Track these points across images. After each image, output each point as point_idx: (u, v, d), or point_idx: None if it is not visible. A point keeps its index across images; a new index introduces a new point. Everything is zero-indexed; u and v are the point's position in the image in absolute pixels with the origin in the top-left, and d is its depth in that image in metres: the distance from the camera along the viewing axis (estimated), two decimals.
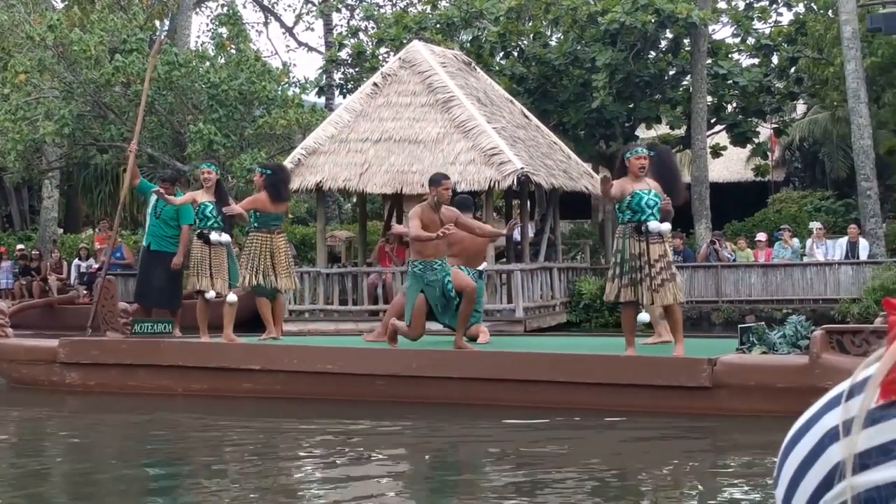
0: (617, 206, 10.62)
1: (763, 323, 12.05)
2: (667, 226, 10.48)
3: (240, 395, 11.62)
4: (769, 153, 30.66)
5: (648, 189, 10.45)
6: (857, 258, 21.10)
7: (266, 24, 46.96)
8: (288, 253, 12.98)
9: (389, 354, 11.53)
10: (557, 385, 10.49)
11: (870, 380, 0.87)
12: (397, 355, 11.45)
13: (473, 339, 12.06)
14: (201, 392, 11.83)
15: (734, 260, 21.92)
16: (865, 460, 0.85)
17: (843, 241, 21.71)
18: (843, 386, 0.90)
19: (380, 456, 9.20)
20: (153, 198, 14.13)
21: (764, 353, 10.46)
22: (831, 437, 0.88)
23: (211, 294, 12.50)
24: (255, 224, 12.53)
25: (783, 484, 0.93)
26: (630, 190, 10.45)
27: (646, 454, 9.02)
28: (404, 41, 24.86)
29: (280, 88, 25.28)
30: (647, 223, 10.36)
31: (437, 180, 11.38)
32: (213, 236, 12.48)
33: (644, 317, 10.85)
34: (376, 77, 20.89)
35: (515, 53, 27.43)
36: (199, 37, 45.26)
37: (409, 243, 12.03)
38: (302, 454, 9.38)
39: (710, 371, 9.94)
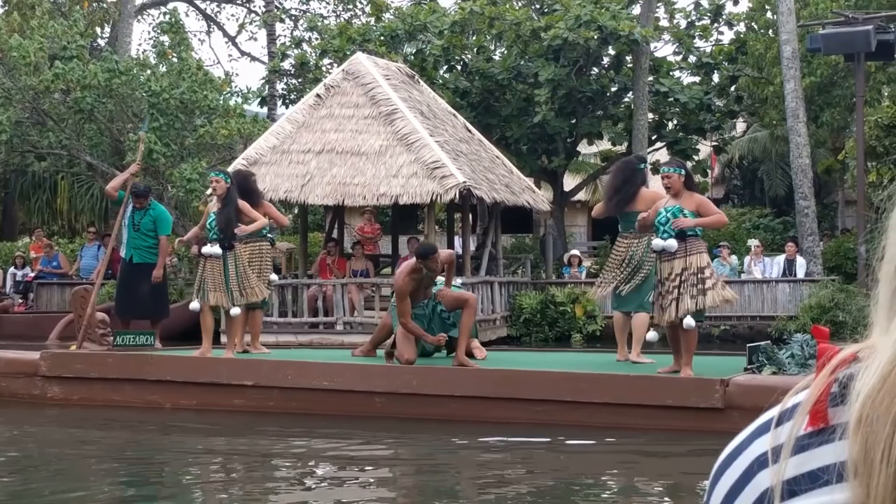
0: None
1: (769, 342, 11.89)
2: (670, 242, 10.28)
3: (231, 410, 11.31)
4: (709, 171, 30.94)
5: (672, 206, 10.41)
6: (795, 276, 21.34)
7: (209, 32, 46.72)
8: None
9: (389, 371, 11.33)
10: (565, 404, 10.29)
11: (798, 406, 0.88)
12: (397, 372, 11.24)
13: (468, 355, 11.88)
14: (190, 407, 11.53)
15: None
16: (794, 487, 0.86)
17: (781, 258, 21.95)
18: (773, 412, 0.91)
19: (374, 476, 9.03)
20: (129, 209, 13.97)
21: (774, 373, 10.31)
22: (760, 463, 0.89)
23: (194, 305, 12.25)
24: (264, 232, 12.53)
25: None
26: (659, 208, 10.55)
27: (658, 474, 8.98)
28: (348, 53, 24.81)
29: (222, 98, 25.10)
30: (652, 241, 10.48)
31: (425, 253, 11.35)
32: (205, 249, 12.25)
33: (652, 335, 10.82)
34: (319, 88, 20.82)
35: (459, 67, 27.48)
36: (140, 45, 44.87)
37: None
38: (292, 473, 9.16)
39: (723, 392, 9.78)
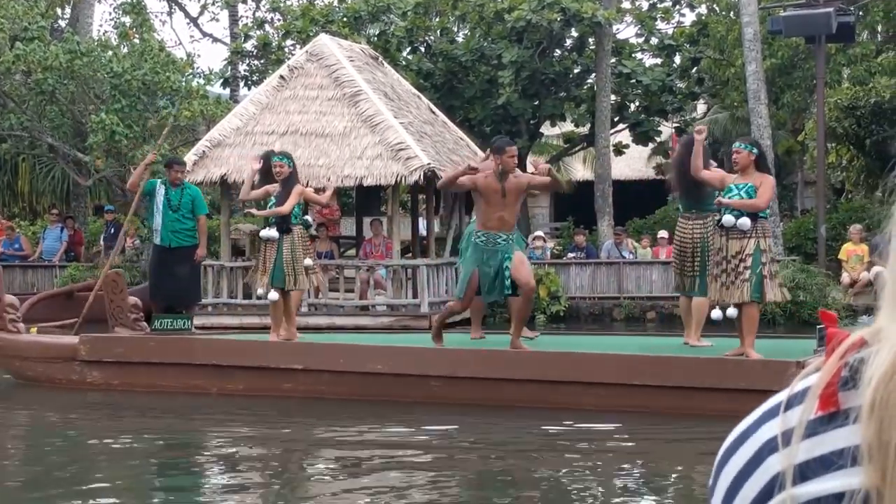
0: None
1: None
2: (744, 220, 10.01)
3: (280, 395, 10.97)
4: (670, 152, 31.05)
5: (744, 183, 10.15)
6: None
7: (170, 13, 46.44)
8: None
9: (445, 354, 10.87)
10: (629, 388, 9.90)
11: (809, 391, 0.88)
12: (454, 355, 10.81)
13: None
14: (237, 392, 11.17)
15: (634, 257, 22.22)
16: (805, 471, 0.86)
17: None
18: (781, 397, 0.91)
19: (430, 463, 8.63)
20: (161, 190, 13.72)
21: None
22: (770, 447, 0.89)
23: (261, 291, 12.02)
24: (297, 219, 12.14)
25: (719, 493, 0.93)
26: (727, 183, 10.27)
27: None
28: (311, 34, 24.76)
29: (184, 79, 24.98)
30: (722, 217, 10.15)
31: (500, 147, 10.54)
32: (263, 232, 12.09)
33: (717, 314, 10.45)
34: (283, 70, 20.77)
35: (423, 49, 27.47)
36: (101, 25, 44.56)
37: (474, 212, 11.19)
38: (342, 460, 8.84)
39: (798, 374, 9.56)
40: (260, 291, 12.17)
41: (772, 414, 0.92)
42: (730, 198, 10.12)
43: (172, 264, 13.66)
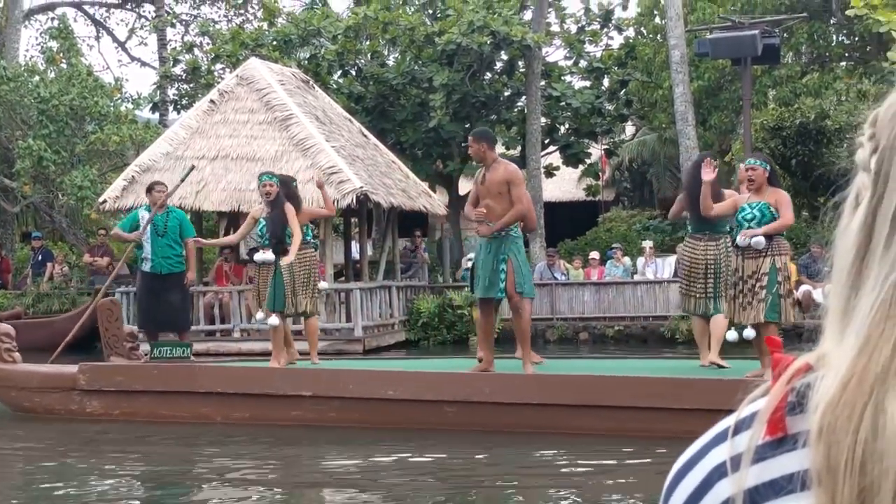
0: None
1: None
2: (758, 239, 9.78)
3: (287, 423, 10.57)
4: (600, 173, 31.37)
5: (756, 202, 9.91)
6: None
7: (98, 38, 45.96)
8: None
9: (458, 379, 10.49)
10: (654, 411, 9.52)
11: (756, 416, 0.88)
12: (467, 379, 10.41)
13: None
14: (243, 421, 10.81)
15: (566, 278, 22.35)
16: (755, 496, 0.86)
17: (672, 259, 22.34)
18: (728, 421, 0.91)
19: (449, 493, 8.23)
20: (146, 216, 13.31)
21: None
22: (720, 472, 0.89)
23: (260, 316, 11.73)
24: (306, 238, 11.80)
25: None
26: (740, 204, 10.06)
27: None
28: (241, 58, 24.67)
29: (113, 104, 24.77)
30: (737, 238, 9.97)
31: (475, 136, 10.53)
32: (258, 256, 11.78)
33: (732, 335, 10.28)
34: (213, 94, 20.68)
35: (353, 72, 27.49)
36: (28, 50, 44.03)
37: None
38: (357, 489, 8.51)
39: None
40: (259, 316, 11.87)
41: (720, 439, 0.92)
42: (743, 217, 9.98)
43: (163, 291, 13.24)
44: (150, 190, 13.79)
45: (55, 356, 12.84)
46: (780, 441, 0.87)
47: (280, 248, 11.56)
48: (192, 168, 13.94)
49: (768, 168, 10.02)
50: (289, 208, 11.61)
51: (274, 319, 11.57)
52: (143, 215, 13.54)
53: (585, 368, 11.28)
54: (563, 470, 9.02)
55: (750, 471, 0.86)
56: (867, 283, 0.86)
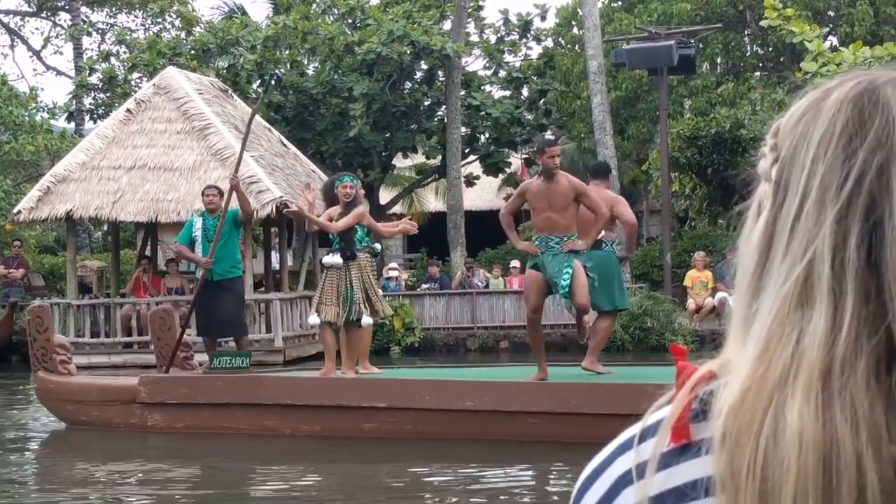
0: None
1: None
2: None
3: (360, 435, 10.14)
4: (520, 182, 31.52)
5: None
6: None
7: (12, 46, 45.13)
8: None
9: (542, 388, 10.01)
10: None
11: (661, 423, 0.89)
12: (551, 389, 9.91)
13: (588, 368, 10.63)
14: (314, 433, 10.35)
15: (486, 287, 22.43)
16: (660, 503, 0.87)
17: None
18: (634, 430, 0.92)
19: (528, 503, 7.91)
20: (199, 223, 12.79)
21: None
22: (625, 480, 0.90)
23: (314, 319, 11.20)
24: (363, 244, 11.30)
25: None
26: None
27: None
28: (158, 67, 24.43)
29: (28, 113, 24.39)
30: None
31: (540, 147, 9.94)
32: (326, 259, 11.32)
33: None
34: (130, 103, 20.45)
35: (273, 82, 27.34)
36: None
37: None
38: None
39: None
40: (313, 320, 11.36)
41: (626, 447, 0.92)
42: None
43: (216, 298, 12.67)
44: (202, 194, 13.34)
45: (165, 367, 12.14)
46: (684, 448, 0.87)
47: (349, 253, 11.15)
48: (237, 168, 13.17)
49: None
50: (356, 211, 11.21)
51: (367, 319, 11.14)
52: (197, 222, 13.02)
53: (645, 377, 10.38)
54: None
55: (655, 478, 0.87)
56: (766, 289, 0.87)
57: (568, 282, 9.82)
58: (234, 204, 12.70)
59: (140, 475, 9.36)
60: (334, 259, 11.15)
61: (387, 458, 9.61)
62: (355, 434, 10.17)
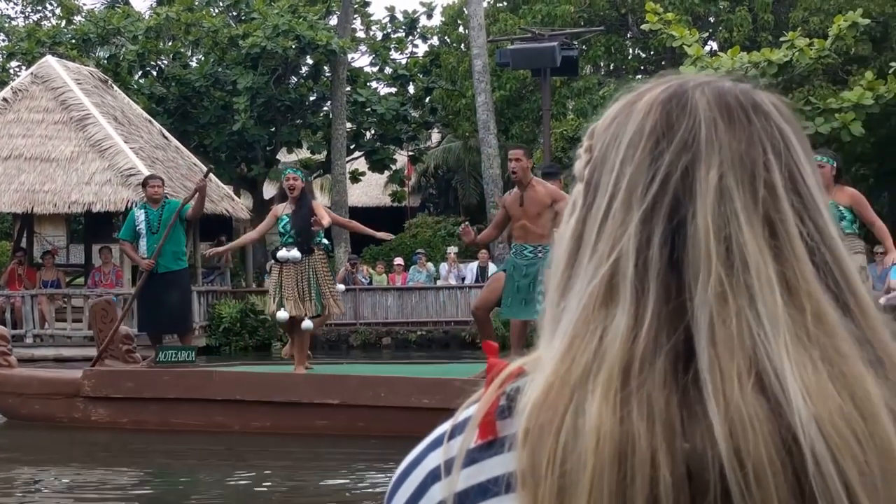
0: None
1: None
2: None
3: (312, 433, 9.85)
4: (405, 179, 31.58)
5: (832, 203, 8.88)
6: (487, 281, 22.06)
7: None
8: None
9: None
10: None
11: (469, 420, 0.90)
12: None
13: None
14: (264, 430, 10.04)
15: (370, 283, 22.43)
16: (464, 499, 0.87)
17: (475, 265, 22.66)
18: (446, 426, 0.93)
19: None
20: (141, 215, 12.19)
21: None
22: (434, 476, 0.91)
23: (282, 314, 10.75)
24: (317, 240, 11.04)
25: None
26: None
27: None
28: (37, 56, 23.92)
29: None
30: None
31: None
32: (281, 253, 10.86)
33: None
34: (6, 92, 20.00)
35: (155, 73, 26.97)
36: None
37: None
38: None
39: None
40: (282, 315, 10.91)
41: (437, 443, 0.93)
42: None
43: (161, 292, 12.15)
44: (144, 185, 12.84)
45: (97, 360, 11.64)
46: (490, 444, 0.88)
47: (306, 247, 10.88)
48: (209, 171, 12.91)
49: (835, 164, 8.83)
50: (317, 204, 11.06)
51: (308, 323, 10.88)
52: (140, 214, 12.50)
53: None
54: None
55: (461, 474, 0.88)
56: (574, 288, 0.88)
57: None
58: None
59: (77, 476, 9.10)
60: (292, 253, 10.87)
61: (337, 457, 9.44)
62: (307, 431, 9.94)
